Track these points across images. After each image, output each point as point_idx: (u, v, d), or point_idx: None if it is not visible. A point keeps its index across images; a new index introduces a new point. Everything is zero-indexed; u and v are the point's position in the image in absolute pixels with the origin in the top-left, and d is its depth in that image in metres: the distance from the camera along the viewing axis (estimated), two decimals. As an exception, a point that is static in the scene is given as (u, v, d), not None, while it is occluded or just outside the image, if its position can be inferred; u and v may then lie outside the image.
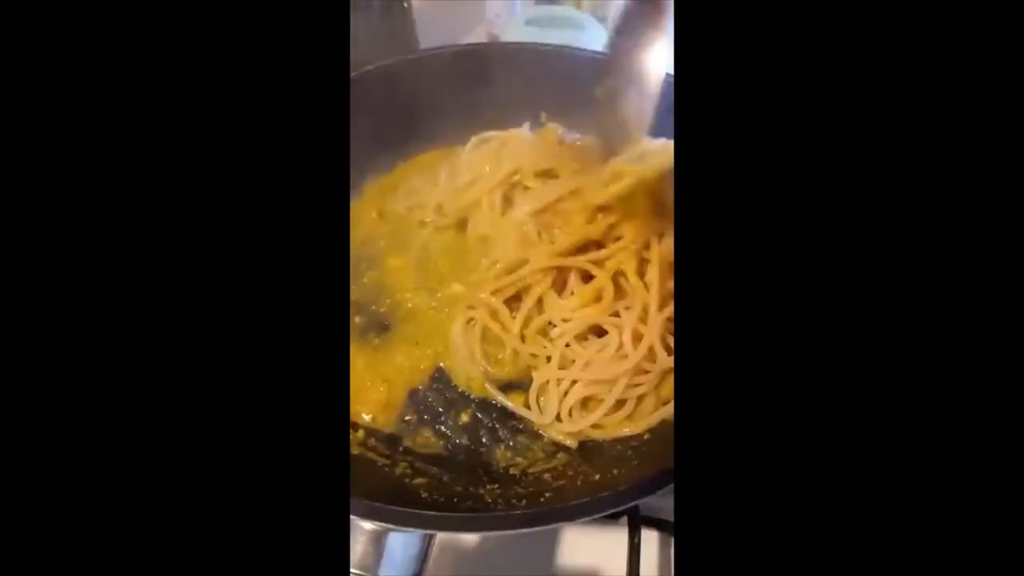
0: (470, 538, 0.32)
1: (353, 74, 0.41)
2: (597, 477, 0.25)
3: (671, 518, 0.32)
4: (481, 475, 0.27)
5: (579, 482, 0.25)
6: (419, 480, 0.26)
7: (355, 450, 0.27)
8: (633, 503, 0.21)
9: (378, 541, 0.21)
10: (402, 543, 0.22)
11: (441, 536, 0.32)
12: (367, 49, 0.49)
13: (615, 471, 0.25)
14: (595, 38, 0.48)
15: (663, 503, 0.33)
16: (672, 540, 0.32)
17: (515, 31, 0.49)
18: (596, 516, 0.20)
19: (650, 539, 0.32)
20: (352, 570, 0.20)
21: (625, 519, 0.31)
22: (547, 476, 0.26)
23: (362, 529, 0.21)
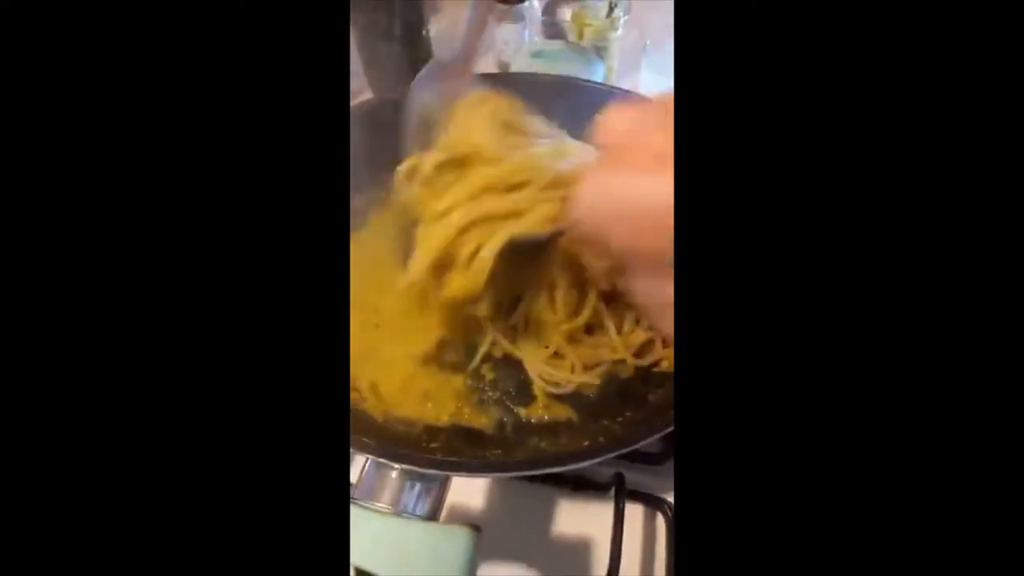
0: (473, 505, 0.36)
1: (373, 99, 0.46)
2: (587, 443, 0.29)
3: (657, 493, 0.36)
4: (487, 441, 0.31)
5: (571, 448, 0.29)
6: (434, 444, 0.30)
7: (379, 419, 0.32)
8: (615, 453, 0.25)
9: (402, 487, 0.25)
10: (424, 490, 0.26)
11: (448, 502, 0.36)
12: (391, 73, 0.55)
13: (601, 439, 0.29)
14: (596, 71, 0.53)
15: (650, 480, 0.37)
16: (656, 514, 0.36)
17: (522, 63, 0.54)
18: (583, 464, 0.25)
19: (636, 512, 0.36)
20: (382, 505, 0.24)
21: (612, 492, 0.35)
22: (544, 444, 0.31)
23: (390, 477, 0.26)
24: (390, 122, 0.42)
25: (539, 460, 0.25)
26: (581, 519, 0.36)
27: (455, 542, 0.23)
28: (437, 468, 0.25)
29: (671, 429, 0.25)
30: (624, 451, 0.25)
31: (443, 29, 0.63)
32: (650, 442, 0.38)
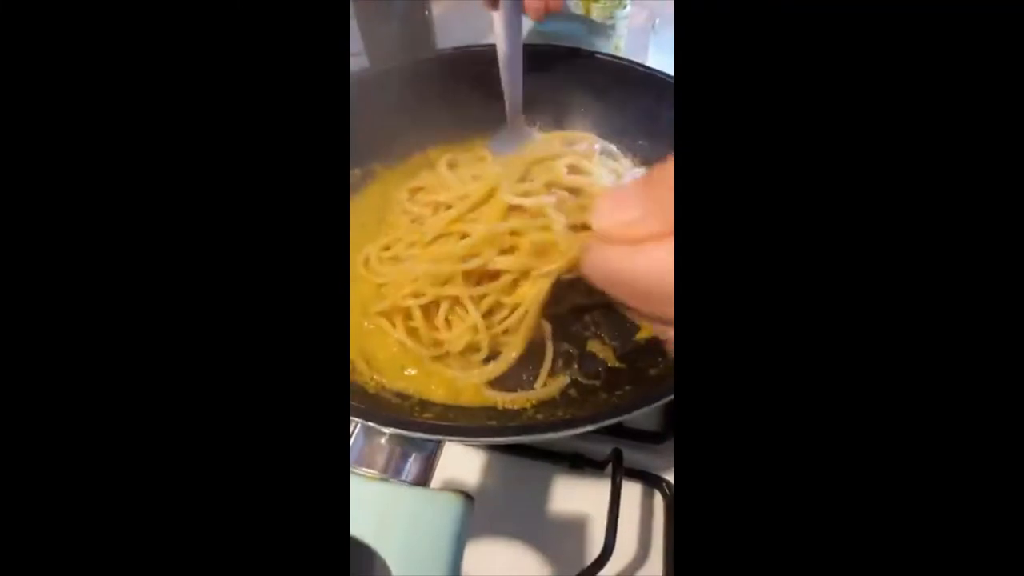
0: (468, 480, 0.36)
1: (375, 70, 0.46)
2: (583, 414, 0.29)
3: (656, 472, 0.36)
4: (482, 413, 0.30)
5: (568, 419, 0.29)
6: (427, 415, 0.30)
7: (372, 390, 0.31)
8: (610, 420, 0.24)
9: (392, 454, 0.25)
10: (414, 458, 0.25)
11: (444, 477, 0.35)
12: (391, 51, 0.54)
13: (597, 411, 0.28)
14: (601, 44, 0.52)
15: (649, 459, 0.36)
16: (655, 492, 0.36)
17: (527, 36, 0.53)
18: (577, 431, 0.24)
19: (634, 491, 0.35)
20: (370, 471, 0.24)
21: (610, 469, 0.34)
22: (540, 416, 0.30)
23: (380, 443, 0.25)
24: (385, 94, 0.42)
25: (533, 427, 0.24)
26: (578, 496, 0.35)
27: (445, 508, 0.22)
28: (427, 432, 0.24)
29: (669, 399, 0.24)
30: (619, 418, 0.24)
31: (444, 9, 0.62)
32: (650, 420, 0.38)
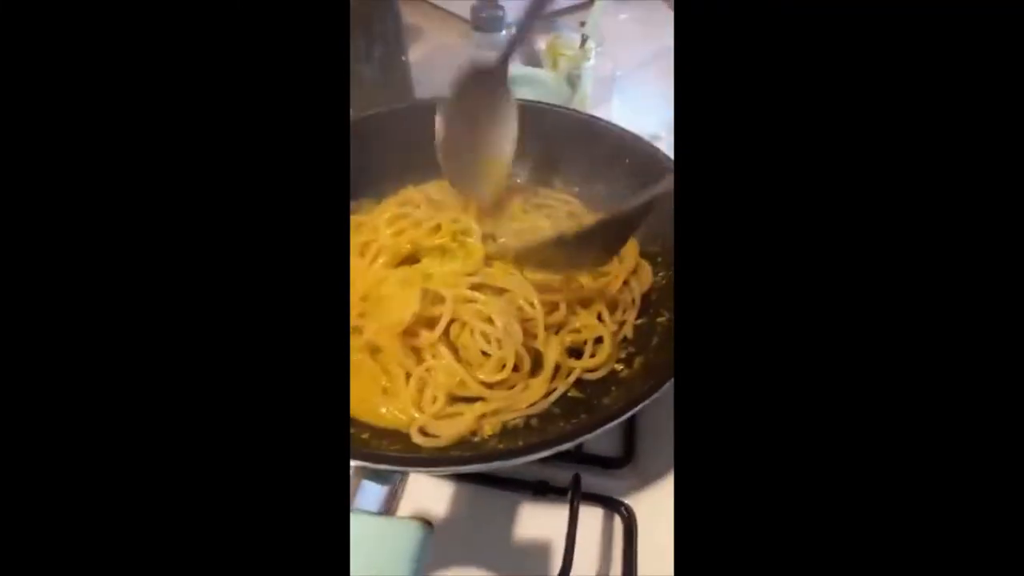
0: (434, 510, 0.37)
1: (355, 117, 0.48)
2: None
3: (615, 496, 0.37)
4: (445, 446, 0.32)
5: (527, 445, 0.30)
6: (393, 448, 0.31)
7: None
8: (568, 444, 0.26)
9: (357, 485, 0.26)
10: (378, 488, 0.26)
11: (410, 508, 0.36)
12: (369, 96, 0.57)
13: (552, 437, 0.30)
14: (561, 96, 0.56)
15: (609, 484, 0.38)
16: (614, 516, 0.37)
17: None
18: (534, 456, 0.26)
19: (595, 515, 0.37)
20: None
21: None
22: (500, 446, 0.32)
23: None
24: (364, 140, 0.44)
25: (493, 454, 0.26)
26: (542, 523, 0.36)
27: (404, 535, 0.23)
28: (391, 464, 0.25)
29: (621, 420, 0.26)
30: (577, 442, 0.26)
31: (421, 56, 0.66)
32: (611, 446, 0.39)
